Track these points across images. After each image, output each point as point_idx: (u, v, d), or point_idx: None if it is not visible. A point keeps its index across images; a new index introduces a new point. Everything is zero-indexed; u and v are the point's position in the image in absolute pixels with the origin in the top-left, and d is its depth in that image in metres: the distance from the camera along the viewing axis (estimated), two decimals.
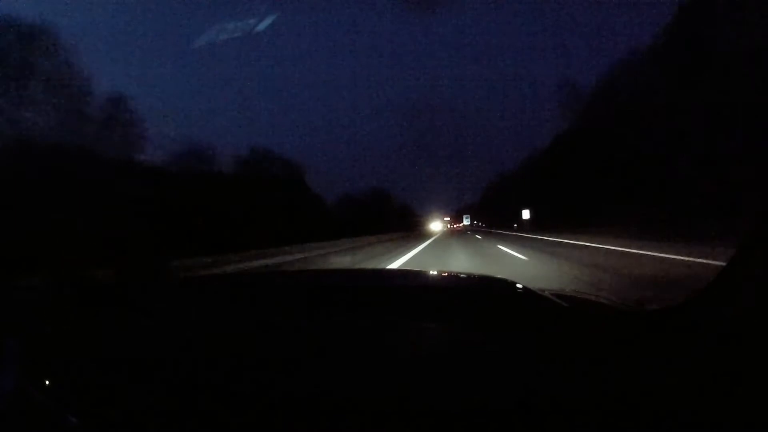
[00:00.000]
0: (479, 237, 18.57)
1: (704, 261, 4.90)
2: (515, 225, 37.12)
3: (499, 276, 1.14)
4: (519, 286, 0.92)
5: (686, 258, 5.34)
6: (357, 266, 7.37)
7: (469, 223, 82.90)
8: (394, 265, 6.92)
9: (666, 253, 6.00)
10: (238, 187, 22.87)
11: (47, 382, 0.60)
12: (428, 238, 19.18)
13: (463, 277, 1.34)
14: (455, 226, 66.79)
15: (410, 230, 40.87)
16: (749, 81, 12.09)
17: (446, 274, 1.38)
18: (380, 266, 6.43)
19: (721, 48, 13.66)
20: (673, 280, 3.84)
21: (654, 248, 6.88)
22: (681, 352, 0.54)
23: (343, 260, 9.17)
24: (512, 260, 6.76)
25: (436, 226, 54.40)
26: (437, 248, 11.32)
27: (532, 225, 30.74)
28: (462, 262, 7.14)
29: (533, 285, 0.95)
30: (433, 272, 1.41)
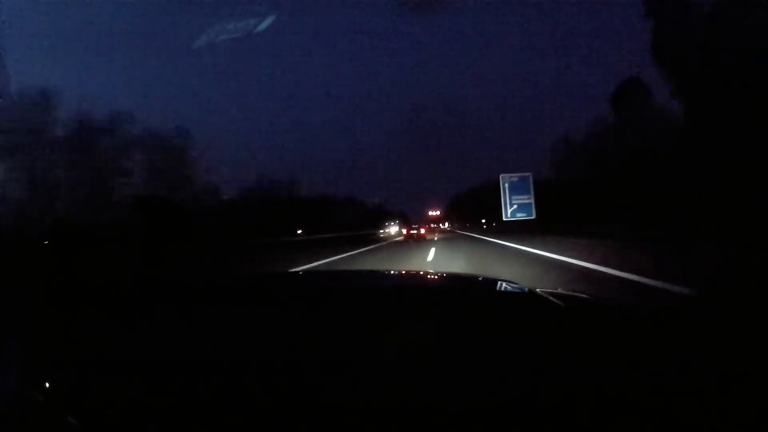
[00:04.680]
0: None
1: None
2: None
3: (499, 277, 1.14)
4: (518, 286, 0.92)
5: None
6: None
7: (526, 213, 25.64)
8: None
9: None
10: None
11: (47, 383, 0.60)
12: None
13: (462, 278, 1.35)
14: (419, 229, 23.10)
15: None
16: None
17: (445, 275, 1.38)
18: None
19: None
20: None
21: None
22: (681, 351, 0.55)
23: None
24: None
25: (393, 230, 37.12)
26: None
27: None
28: None
29: (532, 286, 0.95)
30: (432, 273, 1.41)
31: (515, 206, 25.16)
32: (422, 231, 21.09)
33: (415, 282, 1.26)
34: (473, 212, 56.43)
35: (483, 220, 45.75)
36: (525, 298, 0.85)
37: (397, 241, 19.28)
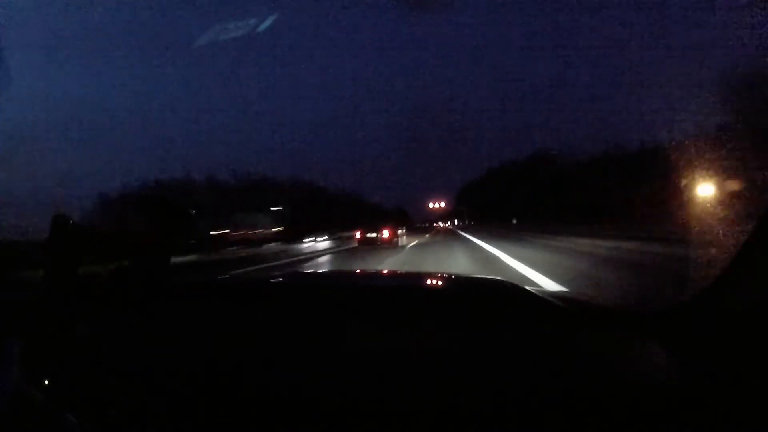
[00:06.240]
0: None
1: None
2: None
3: (497, 277, 1.14)
4: (518, 287, 0.92)
5: None
6: None
7: None
8: None
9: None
10: None
11: (46, 382, 0.61)
12: None
13: (462, 279, 1.35)
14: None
15: None
16: None
17: (445, 276, 1.38)
18: None
19: None
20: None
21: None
22: (680, 353, 0.55)
23: None
24: None
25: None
26: None
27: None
28: None
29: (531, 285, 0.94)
30: (432, 273, 1.42)
31: None
32: (386, 234, 13.66)
33: (415, 282, 1.26)
34: (502, 205, 39.10)
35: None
36: (525, 299, 0.85)
37: None
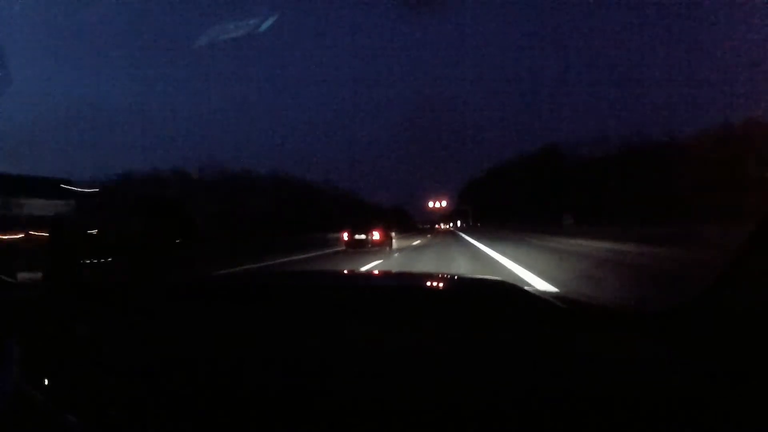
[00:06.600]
0: None
1: None
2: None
3: (497, 278, 1.14)
4: (517, 288, 0.92)
5: None
6: None
7: None
8: None
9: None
10: None
11: (46, 382, 0.61)
12: None
13: (461, 279, 1.35)
14: None
15: None
16: None
17: (445, 276, 1.38)
18: None
19: None
20: None
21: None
22: (680, 353, 0.55)
23: None
24: None
25: None
26: None
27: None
28: None
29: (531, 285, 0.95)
30: (432, 274, 1.42)
31: None
32: (377, 236, 12.40)
33: (415, 282, 1.26)
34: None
35: None
36: (524, 298, 0.85)
37: None
